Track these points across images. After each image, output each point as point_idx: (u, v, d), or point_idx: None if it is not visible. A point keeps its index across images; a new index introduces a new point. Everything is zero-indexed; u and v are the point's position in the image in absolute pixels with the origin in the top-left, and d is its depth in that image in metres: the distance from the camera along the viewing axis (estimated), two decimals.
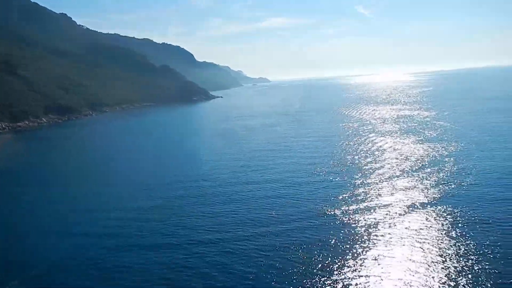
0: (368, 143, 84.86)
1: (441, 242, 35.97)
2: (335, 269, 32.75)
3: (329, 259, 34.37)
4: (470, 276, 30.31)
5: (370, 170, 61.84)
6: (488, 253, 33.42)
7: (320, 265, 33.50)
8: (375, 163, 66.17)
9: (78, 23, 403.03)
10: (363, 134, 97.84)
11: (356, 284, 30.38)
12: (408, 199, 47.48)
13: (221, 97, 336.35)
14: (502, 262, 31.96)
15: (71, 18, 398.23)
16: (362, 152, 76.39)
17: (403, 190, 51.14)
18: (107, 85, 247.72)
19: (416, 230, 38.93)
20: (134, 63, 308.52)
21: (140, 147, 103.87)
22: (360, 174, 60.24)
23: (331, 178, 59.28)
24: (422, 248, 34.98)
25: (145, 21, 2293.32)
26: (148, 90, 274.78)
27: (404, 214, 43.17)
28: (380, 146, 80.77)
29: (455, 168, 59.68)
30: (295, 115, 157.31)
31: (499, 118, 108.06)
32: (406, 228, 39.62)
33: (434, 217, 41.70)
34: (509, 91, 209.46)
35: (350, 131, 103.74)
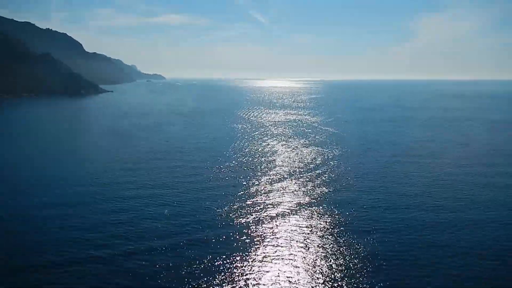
0: (260, 146, 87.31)
1: (324, 241, 38.21)
2: (229, 271, 32.58)
3: (224, 262, 34.11)
4: (346, 271, 32.66)
5: (262, 173, 63.49)
6: (364, 250, 36.43)
7: (214, 271, 33.04)
8: (267, 166, 68.20)
9: None
10: (257, 136, 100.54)
11: (248, 285, 30.68)
12: (296, 201, 49.71)
13: (112, 91, 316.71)
14: (377, 258, 35.10)
15: None
16: (255, 154, 78.16)
17: (293, 192, 53.46)
18: None
19: (302, 230, 40.82)
20: (7, 48, 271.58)
21: (17, 146, 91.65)
22: (253, 176, 61.39)
23: (225, 181, 59.28)
24: (307, 247, 36.82)
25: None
26: (26, 80, 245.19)
27: (292, 215, 44.98)
28: (272, 148, 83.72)
29: (338, 171, 64.77)
30: (190, 115, 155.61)
31: (373, 127, 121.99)
32: (293, 229, 41.27)
33: (319, 218, 44.22)
34: (383, 103, 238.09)
35: (244, 133, 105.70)
